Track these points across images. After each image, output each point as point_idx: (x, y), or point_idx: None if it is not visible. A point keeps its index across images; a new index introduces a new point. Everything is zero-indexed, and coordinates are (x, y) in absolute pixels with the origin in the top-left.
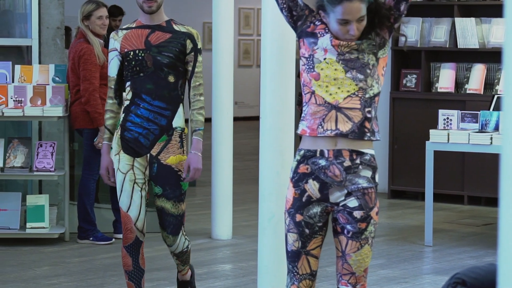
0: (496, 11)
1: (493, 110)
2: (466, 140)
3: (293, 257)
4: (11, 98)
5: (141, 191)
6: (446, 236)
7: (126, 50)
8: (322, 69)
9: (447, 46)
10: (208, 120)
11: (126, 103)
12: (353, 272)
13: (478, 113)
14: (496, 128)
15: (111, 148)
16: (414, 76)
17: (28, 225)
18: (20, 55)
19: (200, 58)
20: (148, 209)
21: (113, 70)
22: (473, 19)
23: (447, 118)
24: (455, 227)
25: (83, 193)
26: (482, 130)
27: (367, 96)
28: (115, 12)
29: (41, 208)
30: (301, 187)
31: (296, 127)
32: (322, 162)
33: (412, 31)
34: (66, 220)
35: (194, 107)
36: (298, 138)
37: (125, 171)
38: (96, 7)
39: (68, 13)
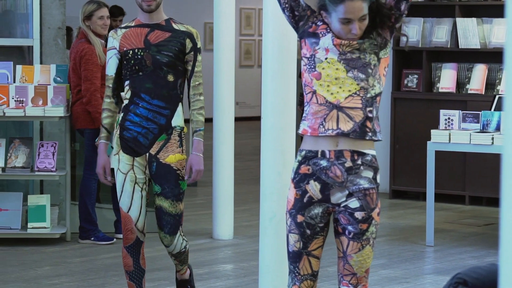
0: (498, 11)
1: (494, 110)
2: (467, 140)
3: (294, 257)
4: (13, 98)
5: (141, 191)
6: (447, 236)
7: (125, 49)
8: (323, 68)
9: (449, 46)
10: (209, 120)
11: (125, 102)
12: (355, 272)
13: (479, 113)
14: (498, 128)
15: (112, 147)
16: (416, 76)
17: (30, 225)
18: (21, 55)
19: (199, 58)
20: (148, 209)
21: (111, 68)
22: (474, 19)
23: (449, 118)
24: (456, 227)
25: (84, 193)
26: (483, 130)
27: (368, 95)
28: (116, 12)
29: (43, 208)
30: (302, 188)
31: (297, 127)
32: (323, 163)
33: (414, 31)
34: (67, 220)
35: (194, 107)
36: (299, 138)
37: (125, 171)
38: (97, 7)
39: (70, 13)
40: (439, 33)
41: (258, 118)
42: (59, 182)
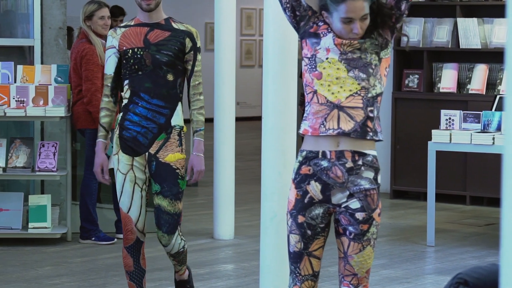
0: (498, 12)
1: (495, 110)
2: (468, 140)
3: (295, 258)
4: (13, 98)
5: (141, 192)
6: (448, 236)
7: (124, 48)
8: (324, 68)
9: (449, 46)
10: (210, 120)
11: (125, 101)
12: (355, 273)
13: (480, 113)
14: (498, 128)
15: (112, 147)
16: (416, 76)
17: (30, 225)
18: (22, 55)
19: (199, 57)
20: (148, 209)
21: (110, 67)
22: (475, 19)
23: (449, 118)
24: (457, 227)
25: (85, 193)
26: (484, 130)
27: (369, 95)
28: (116, 12)
29: (43, 208)
30: (303, 189)
31: (298, 127)
32: (324, 164)
33: (414, 31)
34: (68, 220)
35: (194, 107)
36: (300, 138)
37: (125, 172)
38: (98, 7)
39: (70, 14)
40: (440, 33)
41: (259, 118)
42: (60, 182)
